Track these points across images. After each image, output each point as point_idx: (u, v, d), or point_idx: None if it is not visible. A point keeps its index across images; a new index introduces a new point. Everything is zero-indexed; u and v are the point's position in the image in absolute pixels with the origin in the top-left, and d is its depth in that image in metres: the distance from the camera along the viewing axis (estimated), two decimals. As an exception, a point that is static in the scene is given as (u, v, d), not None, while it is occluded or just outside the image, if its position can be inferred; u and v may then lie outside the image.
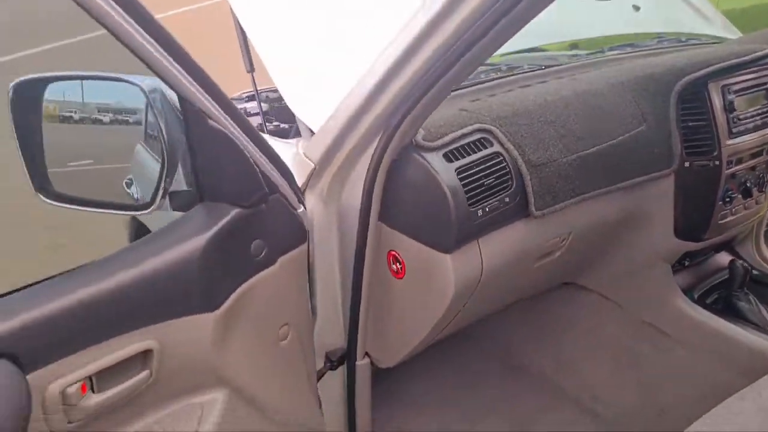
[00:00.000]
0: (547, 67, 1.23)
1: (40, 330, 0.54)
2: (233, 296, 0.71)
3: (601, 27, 1.53)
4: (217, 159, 0.68)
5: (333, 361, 1.03)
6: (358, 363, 1.04)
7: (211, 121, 0.65)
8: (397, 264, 0.93)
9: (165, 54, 0.58)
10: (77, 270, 0.61)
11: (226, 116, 0.67)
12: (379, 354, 1.06)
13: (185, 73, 0.61)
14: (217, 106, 0.66)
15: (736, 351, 1.13)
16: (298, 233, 0.83)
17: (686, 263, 1.25)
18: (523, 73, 1.20)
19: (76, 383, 0.57)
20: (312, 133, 0.92)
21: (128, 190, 0.99)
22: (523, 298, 1.25)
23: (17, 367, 0.52)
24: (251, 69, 1.20)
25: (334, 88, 0.89)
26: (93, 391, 0.59)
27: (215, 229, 0.68)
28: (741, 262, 1.22)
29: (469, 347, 1.44)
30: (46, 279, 0.61)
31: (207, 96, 0.64)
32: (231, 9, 1.04)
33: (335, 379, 1.07)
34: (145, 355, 0.63)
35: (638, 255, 1.17)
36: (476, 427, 1.29)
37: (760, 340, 1.11)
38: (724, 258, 1.31)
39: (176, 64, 0.60)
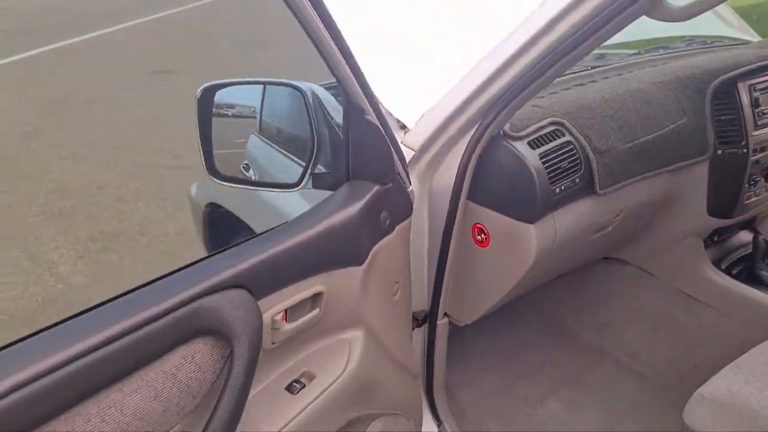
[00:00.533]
0: (593, 67, 1.42)
1: (261, 271, 0.73)
2: (370, 255, 0.90)
3: (635, 31, 1.71)
4: (368, 146, 0.87)
5: (418, 320, 1.22)
6: (438, 322, 1.23)
7: (366, 116, 0.84)
8: (482, 235, 1.12)
9: (344, 61, 0.77)
10: (277, 228, 0.80)
11: (373, 111, 0.85)
12: (458, 314, 1.25)
13: (353, 77, 0.80)
14: (368, 104, 0.84)
15: (759, 312, 1.32)
16: (407, 207, 1.01)
17: (715, 239, 1.44)
18: (574, 73, 1.38)
19: (278, 313, 0.76)
20: (401, 124, 1.11)
21: (246, 173, 1.18)
22: (571, 270, 1.44)
23: (252, 296, 0.71)
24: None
25: (425, 88, 1.08)
26: (287, 321, 0.78)
27: (363, 201, 0.87)
28: (763, 237, 1.41)
29: (523, 313, 1.63)
30: (263, 233, 0.79)
31: (364, 95, 0.82)
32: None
33: (417, 336, 1.26)
34: (316, 297, 0.82)
35: (675, 230, 1.36)
36: (529, 383, 1.49)
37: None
38: (747, 235, 1.50)
39: (349, 70, 0.78)
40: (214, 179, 0.94)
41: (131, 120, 4.89)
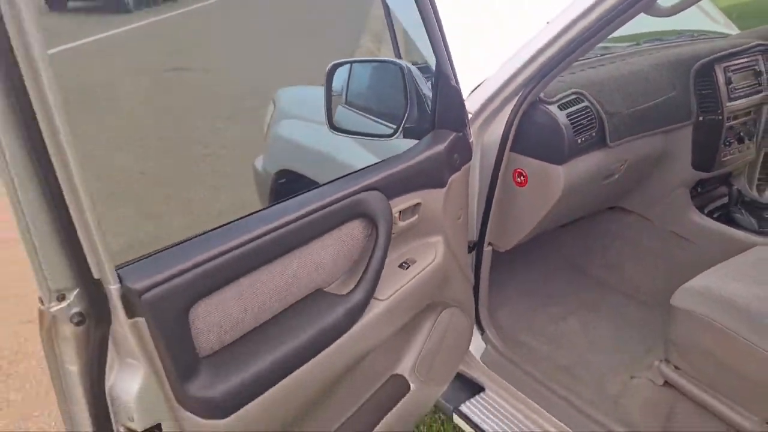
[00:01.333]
0: (602, 56, 1.79)
1: (389, 181, 1.09)
2: (448, 183, 1.27)
3: (635, 26, 2.08)
4: (450, 104, 1.24)
5: (468, 247, 1.58)
6: (485, 249, 1.59)
7: (450, 81, 1.21)
8: (521, 177, 1.49)
9: (441, 42, 1.14)
10: (390, 158, 1.16)
11: (455, 78, 1.22)
12: (499, 242, 1.62)
13: (445, 53, 1.16)
14: (451, 73, 1.21)
15: (733, 244, 1.69)
16: (469, 153, 1.38)
17: (699, 190, 1.82)
18: (588, 59, 1.75)
19: (397, 212, 1.13)
20: None
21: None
22: (584, 216, 1.81)
23: (384, 197, 1.08)
24: (399, 56, 1.75)
25: (478, 65, 1.45)
26: (401, 220, 1.15)
27: (446, 143, 1.23)
28: (736, 188, 1.78)
29: (546, 254, 2.00)
30: (382, 161, 1.15)
31: (449, 65, 1.19)
32: None
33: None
34: (416, 206, 1.19)
35: (667, 181, 1.74)
36: (552, 306, 1.85)
37: (748, 236, 1.67)
38: (725, 189, 1.87)
39: (444, 48, 1.15)
40: (335, 132, 1.31)
41: (156, 114, 5.27)
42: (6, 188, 0.61)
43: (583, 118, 1.41)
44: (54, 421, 2.08)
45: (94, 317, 0.71)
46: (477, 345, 1.65)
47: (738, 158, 1.75)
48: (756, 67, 1.72)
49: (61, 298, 0.68)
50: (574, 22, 1.21)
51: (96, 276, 0.69)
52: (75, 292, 0.68)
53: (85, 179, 0.64)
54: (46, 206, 0.63)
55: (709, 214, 1.80)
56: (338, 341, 0.98)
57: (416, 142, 1.29)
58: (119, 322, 0.72)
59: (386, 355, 1.26)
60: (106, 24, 8.78)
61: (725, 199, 1.84)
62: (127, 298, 0.71)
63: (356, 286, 1.03)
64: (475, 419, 1.54)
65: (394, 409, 1.25)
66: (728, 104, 1.65)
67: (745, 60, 1.71)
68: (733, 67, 1.67)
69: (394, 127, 1.30)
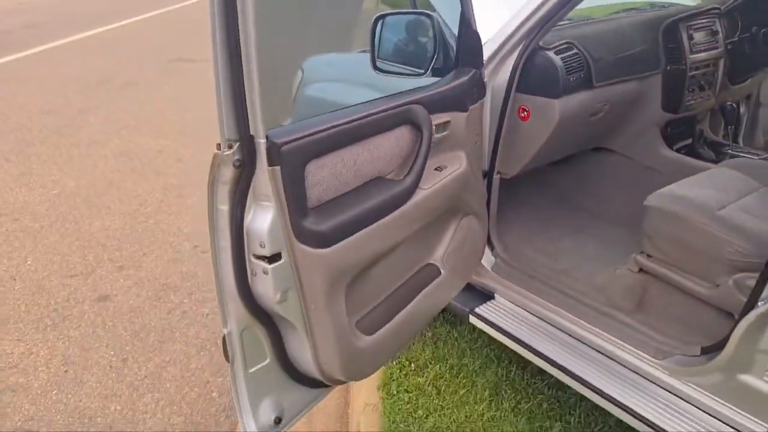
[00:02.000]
0: (589, 19, 2.15)
1: (430, 100, 1.42)
2: (469, 109, 1.60)
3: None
4: (470, 45, 1.57)
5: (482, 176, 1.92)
6: (494, 176, 1.94)
7: (472, 28, 1.54)
8: (524, 113, 1.83)
9: None
10: (433, 83, 1.49)
11: (475, 24, 1.56)
12: (506, 169, 1.96)
13: (470, 3, 1.50)
14: (473, 21, 1.54)
15: (696, 173, 2.05)
16: (484, 90, 1.71)
17: (669, 130, 2.18)
18: (578, 22, 2.11)
19: (433, 125, 1.46)
20: None
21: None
22: (574, 153, 2.16)
23: (426, 110, 1.40)
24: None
25: (488, 20, 1.79)
26: (435, 132, 1.48)
27: (468, 76, 1.56)
28: (699, 128, 2.15)
29: (543, 189, 2.36)
30: (420, 86, 1.48)
31: (471, 12, 1.52)
32: None
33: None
34: (446, 124, 1.52)
35: (643, 121, 2.10)
36: (549, 230, 2.20)
37: (708, 165, 2.04)
38: (690, 130, 2.24)
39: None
40: (378, 72, 1.63)
41: (167, 99, 5.55)
42: (212, 63, 0.94)
43: (574, 62, 1.76)
44: (112, 351, 2.38)
45: (247, 164, 1.03)
46: (488, 259, 2.00)
47: (700, 104, 2.12)
48: (713, 27, 2.09)
49: (230, 147, 1.01)
50: None
51: (251, 132, 1.01)
52: (237, 144, 1.01)
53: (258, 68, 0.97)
54: (230, 83, 0.96)
55: (678, 150, 2.16)
56: (398, 211, 1.31)
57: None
58: (262, 168, 1.05)
59: (423, 245, 1.59)
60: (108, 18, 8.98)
61: (690, 140, 2.21)
62: (270, 150, 1.03)
63: (407, 174, 1.36)
64: (490, 318, 1.88)
65: (427, 288, 1.59)
66: (690, 56, 2.01)
67: (705, 20, 2.08)
68: (694, 26, 2.04)
69: (425, 67, 1.64)
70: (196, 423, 2.07)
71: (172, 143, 4.43)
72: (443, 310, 2.07)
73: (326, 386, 1.41)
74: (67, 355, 2.33)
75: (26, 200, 3.53)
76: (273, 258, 1.10)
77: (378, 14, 1.62)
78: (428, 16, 1.59)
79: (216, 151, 1.01)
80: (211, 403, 2.15)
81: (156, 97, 5.61)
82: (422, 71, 1.63)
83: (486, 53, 1.75)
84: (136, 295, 2.69)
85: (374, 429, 1.99)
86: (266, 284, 1.12)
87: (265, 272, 1.11)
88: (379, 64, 1.66)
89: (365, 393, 2.14)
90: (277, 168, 1.05)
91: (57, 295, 2.68)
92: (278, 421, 1.29)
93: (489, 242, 2.02)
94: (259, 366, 1.25)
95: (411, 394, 2.08)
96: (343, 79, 2.40)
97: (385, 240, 1.32)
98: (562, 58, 1.74)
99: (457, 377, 2.14)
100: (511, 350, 1.91)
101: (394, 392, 2.09)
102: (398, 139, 1.36)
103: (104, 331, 2.46)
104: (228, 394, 2.20)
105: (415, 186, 1.38)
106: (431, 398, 2.06)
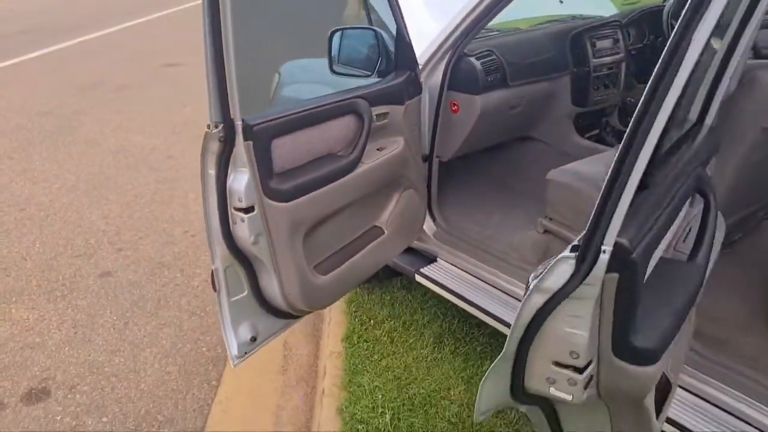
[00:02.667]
0: (515, 31, 2.59)
1: (371, 95, 1.84)
2: (405, 104, 2.02)
3: (540, 11, 2.91)
4: (405, 54, 1.99)
5: (423, 159, 2.35)
6: (434, 159, 2.36)
7: (406, 39, 1.97)
8: (455, 106, 2.27)
9: (399, 11, 1.90)
10: (375, 82, 1.91)
11: (408, 36, 1.98)
12: (443, 153, 2.38)
13: (403, 24, 1.92)
14: (406, 35, 1.97)
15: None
16: (419, 87, 2.13)
17: (580, 122, 2.63)
18: (504, 33, 2.55)
19: (374, 116, 1.88)
20: None
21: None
22: (502, 141, 2.60)
23: (367, 103, 1.82)
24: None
25: (424, 34, 2.23)
26: (375, 121, 1.89)
27: (404, 77, 1.98)
28: (606, 119, 2.61)
29: (479, 173, 2.79)
30: (359, 87, 1.91)
31: (404, 28, 1.95)
32: None
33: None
34: (385, 114, 1.94)
35: (557, 114, 2.55)
36: (485, 206, 2.63)
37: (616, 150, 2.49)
38: (598, 121, 2.70)
39: (401, 16, 1.91)
40: (335, 74, 2.05)
41: (159, 101, 5.92)
42: (205, 65, 1.35)
43: (492, 65, 2.20)
44: (115, 316, 2.76)
45: (229, 140, 1.44)
46: (430, 227, 2.42)
47: (605, 99, 2.57)
48: (615, 36, 2.55)
49: (216, 126, 1.42)
50: (480, 2, 2.00)
51: (232, 116, 1.43)
52: (222, 125, 1.42)
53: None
54: (217, 80, 1.37)
55: (588, 138, 2.62)
56: (344, 178, 1.74)
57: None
58: (239, 143, 1.46)
59: (370, 211, 2.01)
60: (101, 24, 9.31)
61: (598, 130, 2.66)
62: (245, 129, 1.45)
63: (351, 152, 1.79)
64: (432, 276, 2.31)
65: (372, 244, 2.00)
66: (593, 60, 2.47)
67: (607, 31, 2.54)
68: (597, 36, 2.49)
69: (371, 70, 2.07)
70: (188, 371, 2.46)
71: (163, 142, 4.80)
72: (400, 276, 2.49)
73: (293, 317, 1.83)
74: (76, 320, 2.71)
75: (31, 193, 3.88)
76: (248, 209, 1.52)
77: (334, 29, 2.04)
78: (374, 31, 2.02)
79: (206, 129, 1.43)
80: (201, 356, 2.54)
81: (147, 99, 5.98)
82: (369, 73, 2.06)
83: (423, 59, 2.19)
84: (134, 272, 3.07)
85: (338, 370, 2.41)
86: (243, 229, 1.53)
87: (242, 220, 1.52)
88: (335, 68, 2.08)
89: (332, 344, 2.55)
90: (250, 143, 1.46)
91: (64, 272, 3.05)
92: (253, 339, 1.70)
93: (431, 214, 2.44)
94: (239, 296, 1.66)
95: (369, 344, 2.49)
96: (315, 81, 2.84)
97: (333, 201, 1.74)
98: (481, 63, 2.17)
99: (408, 330, 2.56)
100: (456, 307, 2.33)
101: (355, 342, 2.51)
102: (345, 124, 1.78)
103: (107, 301, 2.84)
104: (215, 349, 2.59)
105: (357, 160, 1.80)
106: (386, 346, 2.48)
